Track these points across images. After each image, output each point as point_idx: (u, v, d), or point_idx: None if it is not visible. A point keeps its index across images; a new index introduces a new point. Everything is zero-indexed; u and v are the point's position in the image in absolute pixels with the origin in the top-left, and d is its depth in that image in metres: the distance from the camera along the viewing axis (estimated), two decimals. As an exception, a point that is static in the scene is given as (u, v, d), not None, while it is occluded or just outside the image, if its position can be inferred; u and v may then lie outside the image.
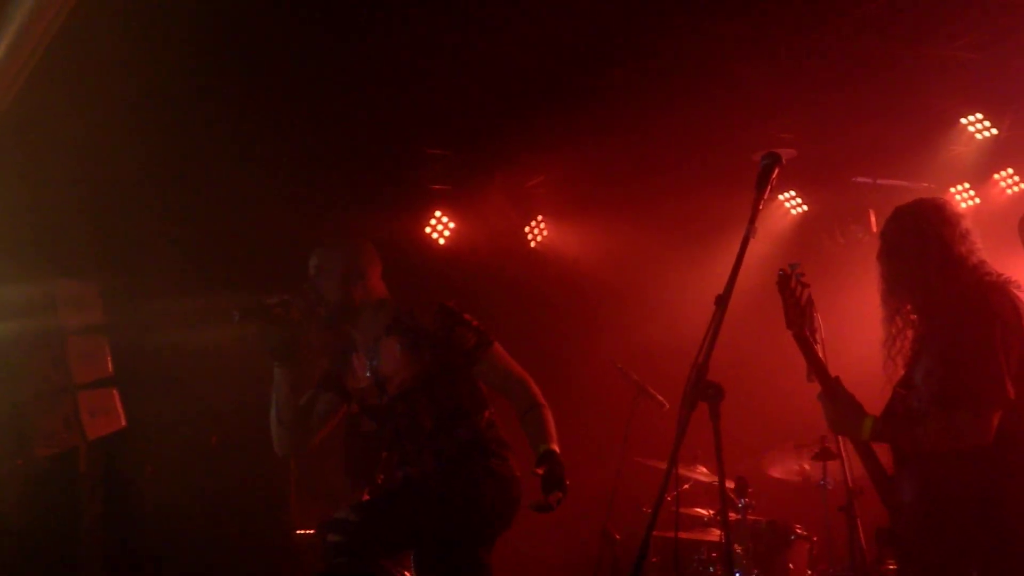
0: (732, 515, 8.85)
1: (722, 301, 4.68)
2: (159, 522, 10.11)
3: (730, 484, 8.73)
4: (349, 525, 6.33)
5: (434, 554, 6.33)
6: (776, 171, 4.96)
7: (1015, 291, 5.40)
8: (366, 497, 7.67)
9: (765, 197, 4.92)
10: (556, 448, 6.23)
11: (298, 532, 10.32)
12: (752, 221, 4.82)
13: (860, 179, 11.92)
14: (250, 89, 9.13)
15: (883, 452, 5.69)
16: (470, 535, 6.29)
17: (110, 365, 9.13)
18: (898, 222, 5.68)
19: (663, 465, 4.71)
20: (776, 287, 5.58)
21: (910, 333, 5.58)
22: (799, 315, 5.55)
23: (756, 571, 8.92)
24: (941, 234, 5.52)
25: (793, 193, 12.45)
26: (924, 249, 5.51)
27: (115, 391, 9.15)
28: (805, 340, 5.56)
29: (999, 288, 5.38)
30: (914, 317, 5.58)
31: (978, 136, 10.68)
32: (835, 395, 5.52)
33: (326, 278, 6.46)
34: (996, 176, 11.62)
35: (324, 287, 6.44)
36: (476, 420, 6.38)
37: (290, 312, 6.32)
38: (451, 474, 6.30)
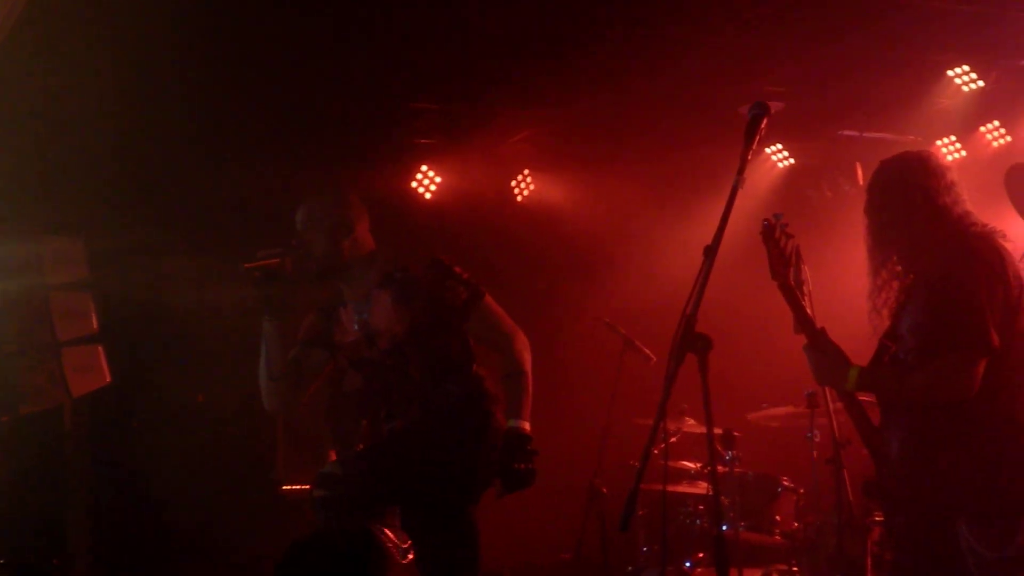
0: (719, 468, 8.87)
1: (710, 252, 4.67)
2: (145, 479, 10.10)
3: (717, 432, 8.73)
4: (336, 480, 6.33)
5: (422, 510, 6.34)
6: (764, 121, 4.96)
7: (1000, 241, 5.42)
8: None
9: (754, 147, 4.91)
10: (526, 425, 6.23)
11: (285, 488, 10.32)
12: (741, 171, 4.81)
13: (847, 132, 11.90)
14: (233, 45, 9.06)
15: (870, 404, 5.71)
16: (457, 491, 6.30)
17: (95, 322, 9.09)
18: (884, 175, 5.69)
19: (650, 420, 4.69)
20: (761, 237, 5.59)
21: (896, 285, 5.60)
22: (784, 265, 5.56)
23: (743, 523, 8.95)
24: (926, 186, 5.54)
25: (780, 146, 12.42)
26: (909, 201, 5.53)
27: (100, 348, 9.11)
28: (790, 291, 5.58)
29: (984, 237, 5.40)
30: (899, 269, 5.60)
31: (964, 89, 10.64)
32: (820, 346, 5.54)
33: (314, 231, 6.43)
34: (982, 129, 11.61)
35: (312, 241, 6.42)
36: (465, 374, 6.39)
37: (285, 264, 6.31)
38: (438, 429, 6.30)
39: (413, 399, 6.35)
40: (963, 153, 11.70)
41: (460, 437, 6.29)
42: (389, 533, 7.35)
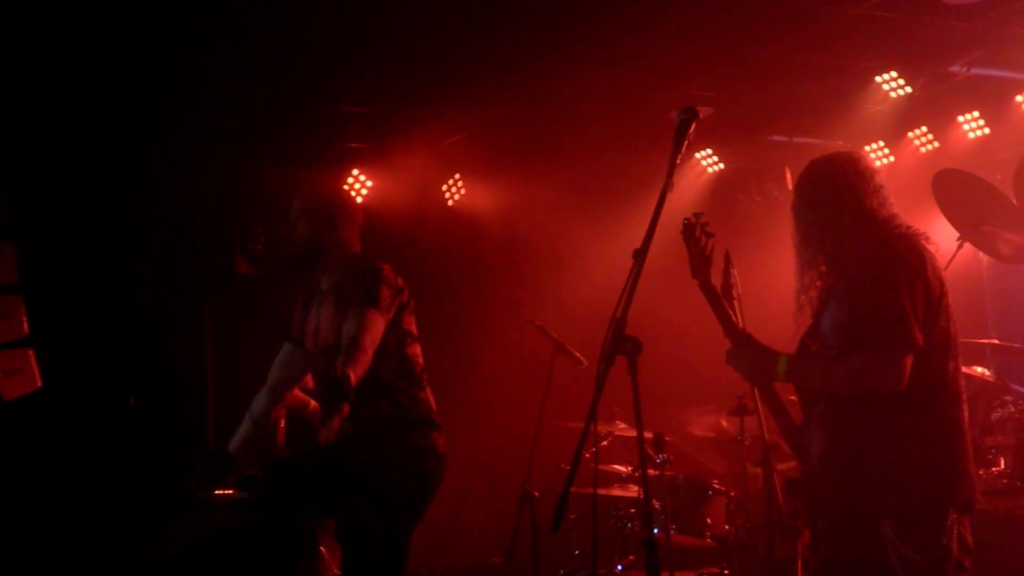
0: (650, 471, 8.89)
1: (640, 255, 4.71)
2: (74, 483, 10.04)
3: (648, 435, 8.76)
4: (258, 483, 6.36)
5: (351, 522, 6.37)
6: (693, 126, 5.00)
7: (922, 242, 5.48)
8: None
9: (683, 151, 4.95)
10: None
11: (216, 492, 10.25)
12: (670, 175, 4.86)
13: (776, 138, 11.99)
14: (167, 48, 9.03)
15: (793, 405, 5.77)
16: (383, 509, 6.29)
17: (26, 325, 9.03)
18: (813, 174, 5.73)
19: (581, 423, 4.71)
20: (681, 237, 5.65)
21: (819, 284, 5.64)
22: (705, 264, 5.63)
23: (674, 527, 8.98)
24: (854, 186, 5.58)
25: (710, 151, 12.50)
26: (837, 200, 5.58)
27: (31, 352, 9.05)
28: (711, 290, 5.64)
29: (907, 238, 5.45)
30: (824, 268, 5.64)
31: (892, 95, 10.74)
32: (745, 343, 5.59)
33: (302, 222, 6.63)
34: (910, 135, 11.72)
35: (298, 230, 6.61)
36: (401, 396, 6.38)
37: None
38: (367, 445, 6.30)
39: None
40: (891, 159, 11.82)
41: (384, 456, 6.29)
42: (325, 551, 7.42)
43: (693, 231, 5.66)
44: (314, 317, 6.64)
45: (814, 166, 5.75)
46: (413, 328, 6.54)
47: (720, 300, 5.65)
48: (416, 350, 6.55)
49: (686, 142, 4.97)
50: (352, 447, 6.33)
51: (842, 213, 5.56)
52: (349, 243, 6.64)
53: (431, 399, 6.55)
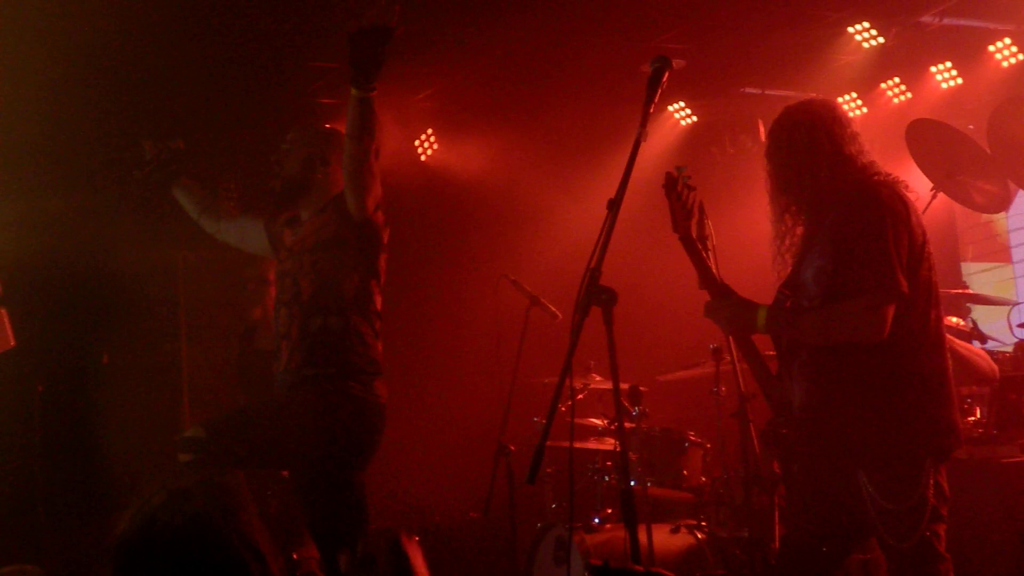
0: (626, 424, 8.89)
1: (614, 205, 4.68)
2: (50, 444, 10.01)
3: (624, 386, 8.74)
4: (200, 443, 6.35)
5: (299, 475, 6.39)
6: (667, 74, 4.98)
7: (903, 190, 5.47)
8: None
9: (656, 100, 4.93)
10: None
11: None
12: (643, 124, 4.83)
13: (748, 90, 11.97)
14: (134, 7, 8.97)
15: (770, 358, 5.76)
16: (327, 460, 6.30)
17: (-1, 286, 8.97)
18: (788, 120, 5.71)
19: (556, 377, 4.69)
20: (663, 190, 5.64)
21: (800, 231, 5.63)
22: (686, 218, 5.63)
23: (650, 479, 8.99)
24: (832, 133, 5.57)
25: (682, 104, 12.47)
26: (815, 146, 5.56)
27: (3, 311, 8.99)
28: (691, 243, 5.64)
29: (888, 186, 5.44)
30: (803, 215, 5.63)
31: (865, 45, 10.73)
32: (725, 294, 5.59)
33: (292, 155, 6.69)
34: (883, 85, 11.70)
35: (287, 163, 6.65)
36: (352, 320, 6.36)
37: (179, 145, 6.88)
38: (309, 397, 6.29)
39: (295, 319, 6.38)
40: (864, 110, 11.80)
41: (324, 408, 6.29)
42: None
43: (675, 185, 5.66)
44: (290, 234, 6.67)
45: (789, 112, 5.73)
46: (382, 271, 6.53)
47: (700, 253, 5.66)
48: (377, 292, 6.58)
49: (659, 91, 4.95)
50: (294, 399, 6.34)
51: (820, 160, 5.55)
52: (338, 182, 6.60)
53: (379, 346, 6.54)
